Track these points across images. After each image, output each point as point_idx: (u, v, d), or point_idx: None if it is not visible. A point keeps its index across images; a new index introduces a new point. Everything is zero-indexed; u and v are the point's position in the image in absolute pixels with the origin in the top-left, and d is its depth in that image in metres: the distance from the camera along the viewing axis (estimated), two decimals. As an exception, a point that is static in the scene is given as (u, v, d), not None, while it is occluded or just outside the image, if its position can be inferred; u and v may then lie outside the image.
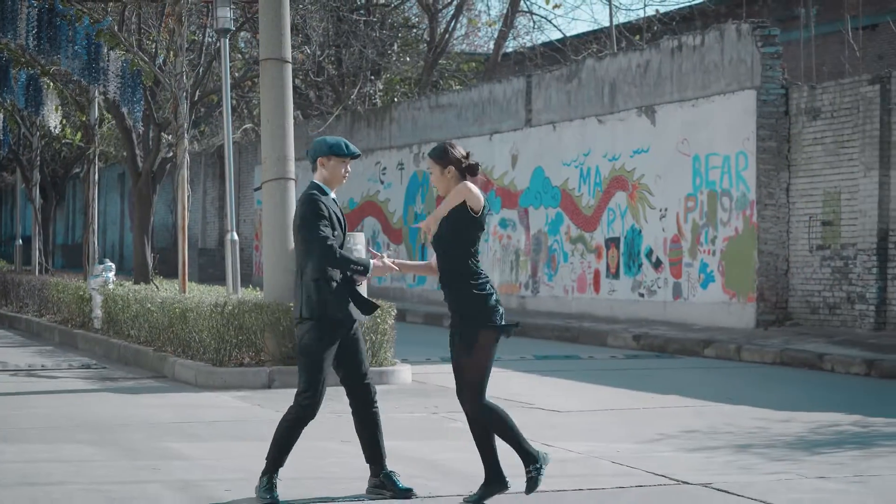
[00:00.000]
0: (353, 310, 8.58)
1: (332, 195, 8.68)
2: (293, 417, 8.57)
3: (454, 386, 8.53)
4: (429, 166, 8.53)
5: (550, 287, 26.86)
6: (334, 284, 8.48)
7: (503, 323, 8.35)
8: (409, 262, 8.89)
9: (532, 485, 8.41)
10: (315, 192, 8.58)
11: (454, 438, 11.25)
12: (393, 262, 8.56)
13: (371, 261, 8.51)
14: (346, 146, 8.69)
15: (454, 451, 10.53)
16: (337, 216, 8.59)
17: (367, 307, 8.69)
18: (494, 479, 8.46)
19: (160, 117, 24.51)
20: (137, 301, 18.56)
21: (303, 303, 8.54)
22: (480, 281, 8.33)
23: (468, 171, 8.41)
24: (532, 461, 8.41)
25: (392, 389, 14.92)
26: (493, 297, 8.35)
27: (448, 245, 8.35)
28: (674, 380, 16.54)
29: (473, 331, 8.31)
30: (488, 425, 8.43)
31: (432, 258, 8.67)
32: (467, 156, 8.46)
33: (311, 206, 8.50)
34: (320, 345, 8.49)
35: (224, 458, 10.28)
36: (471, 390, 8.36)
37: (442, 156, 8.43)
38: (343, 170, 8.70)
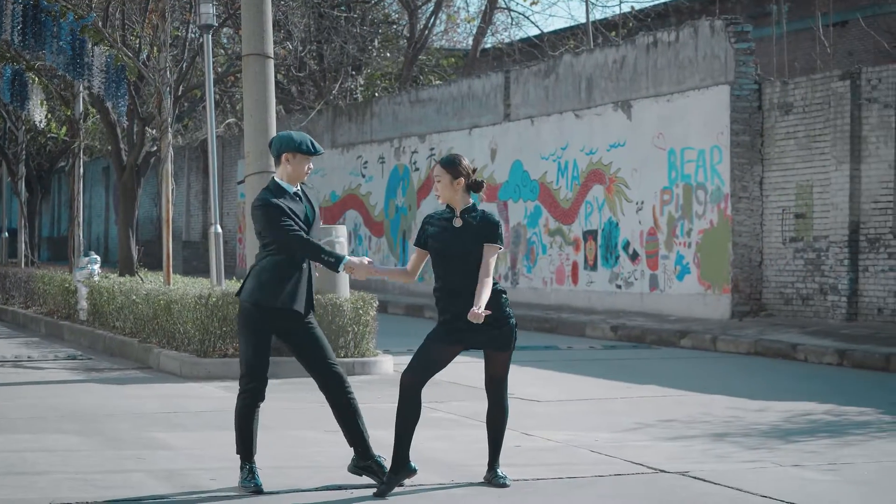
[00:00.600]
0: (295, 303, 8.48)
1: (295, 189, 8.58)
2: (241, 405, 8.54)
3: (440, 377, 8.53)
4: (437, 174, 8.50)
5: (529, 279, 26.85)
6: (282, 278, 8.39)
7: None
8: (385, 267, 8.89)
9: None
10: (267, 195, 8.46)
11: (435, 428, 11.22)
12: (370, 265, 8.50)
13: (346, 256, 8.42)
14: (312, 144, 8.60)
15: (436, 440, 10.50)
16: (295, 212, 8.48)
17: (307, 307, 8.59)
18: (404, 466, 8.45)
19: (144, 112, 24.40)
20: (122, 293, 18.49)
21: (243, 286, 8.51)
22: (499, 286, 8.58)
23: (474, 186, 8.49)
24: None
25: (374, 379, 14.89)
26: None
27: (474, 258, 8.41)
28: (651, 370, 16.54)
29: (513, 331, 8.55)
30: (505, 416, 8.70)
31: (413, 260, 8.67)
32: (474, 170, 8.52)
33: (265, 210, 8.41)
34: (253, 329, 8.44)
35: (208, 447, 10.23)
36: (504, 383, 8.67)
37: (454, 165, 8.47)
38: (306, 167, 8.60)
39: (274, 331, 8.53)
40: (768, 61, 25.65)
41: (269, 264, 8.44)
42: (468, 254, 8.39)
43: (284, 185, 8.53)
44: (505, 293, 8.58)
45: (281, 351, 15.55)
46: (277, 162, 8.60)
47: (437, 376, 8.40)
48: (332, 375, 8.59)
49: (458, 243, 8.40)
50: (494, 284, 8.46)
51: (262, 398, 8.52)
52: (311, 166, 8.63)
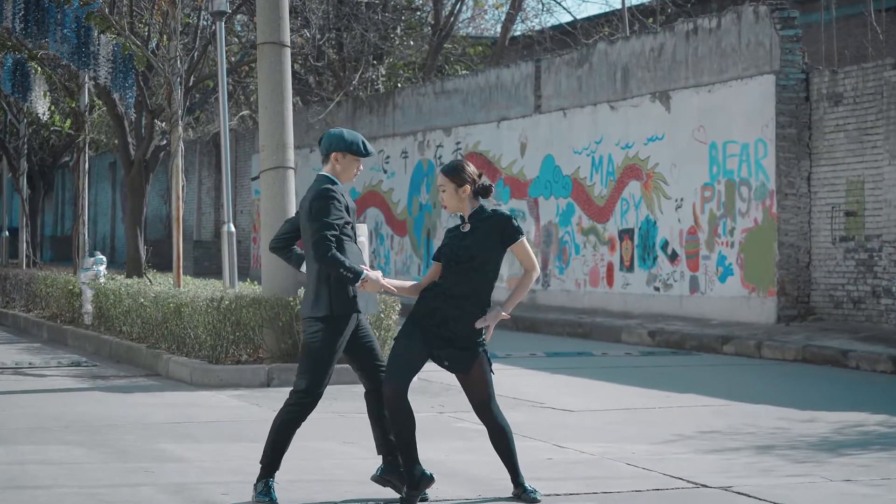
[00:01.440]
0: (362, 303, 8.59)
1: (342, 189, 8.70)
2: (291, 417, 8.55)
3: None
4: (441, 184, 8.52)
5: (562, 281, 26.81)
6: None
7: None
8: (396, 281, 8.87)
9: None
10: (329, 185, 8.56)
11: (461, 439, 11.22)
12: (386, 282, 8.53)
13: (364, 270, 8.45)
14: (364, 146, 8.70)
15: (461, 452, 10.49)
16: (349, 208, 8.66)
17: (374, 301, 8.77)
18: (420, 476, 8.44)
19: (153, 104, 24.47)
20: (130, 295, 18.52)
21: (315, 300, 8.52)
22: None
23: (482, 192, 8.49)
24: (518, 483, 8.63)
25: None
26: None
27: (482, 270, 8.42)
28: (691, 378, 16.49)
29: (474, 357, 8.44)
30: (507, 435, 8.58)
31: (429, 273, 8.66)
32: (480, 175, 8.52)
33: (326, 201, 8.48)
34: (331, 345, 8.49)
35: (221, 459, 10.24)
36: (491, 405, 8.54)
37: (458, 173, 8.49)
38: (356, 168, 8.71)
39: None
40: (816, 49, 25.57)
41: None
42: (472, 258, 8.40)
43: (335, 179, 8.62)
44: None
45: (292, 357, 15.54)
46: (325, 160, 8.68)
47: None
48: (380, 375, 8.62)
49: (463, 247, 8.42)
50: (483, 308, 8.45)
51: (309, 415, 8.59)
52: (361, 167, 8.72)
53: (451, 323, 8.39)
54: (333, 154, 8.65)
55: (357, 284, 8.43)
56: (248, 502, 8.47)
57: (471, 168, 8.55)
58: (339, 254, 8.44)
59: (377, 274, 8.49)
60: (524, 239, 8.55)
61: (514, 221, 8.54)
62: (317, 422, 12.05)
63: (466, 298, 8.41)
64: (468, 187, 8.50)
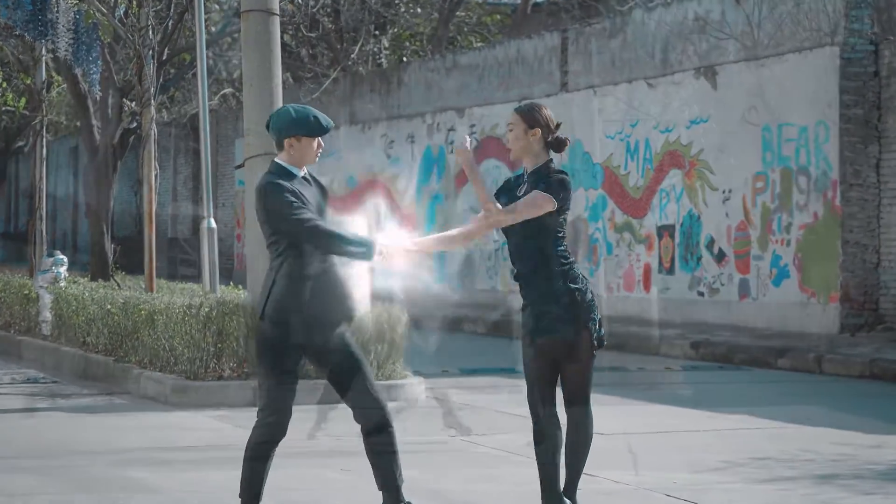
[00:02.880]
0: (325, 315, 8.52)
1: (303, 173, 8.59)
2: (256, 440, 8.52)
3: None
4: (511, 122, 8.50)
5: (591, 284, 26.76)
6: (308, 283, 8.40)
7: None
8: (436, 236, 8.77)
9: None
10: (274, 178, 8.49)
11: (476, 466, 11.22)
12: (424, 241, 8.52)
13: (377, 241, 8.39)
14: (318, 120, 8.56)
15: (476, 481, 10.50)
16: (308, 199, 8.52)
17: (348, 311, 8.60)
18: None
19: (121, 80, 24.51)
20: (95, 301, 18.55)
21: (264, 300, 8.48)
22: (578, 285, 8.58)
23: (555, 145, 8.46)
24: None
25: (402, 407, 14.88)
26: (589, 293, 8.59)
27: (535, 237, 8.43)
28: (740, 396, 16.51)
29: (576, 337, 8.61)
30: (581, 439, 8.76)
31: (475, 221, 8.65)
32: (558, 125, 8.48)
33: (274, 196, 8.41)
34: (274, 351, 8.43)
35: (199, 490, 10.26)
36: (579, 402, 8.72)
37: (531, 113, 8.49)
38: (316, 147, 8.62)
39: (300, 351, 8.51)
40: (887, 16, 25.55)
41: (286, 271, 8.42)
42: (524, 225, 8.35)
43: (290, 168, 8.54)
44: (582, 290, 8.53)
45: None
46: (279, 147, 8.63)
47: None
48: (372, 405, 8.57)
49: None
50: (572, 282, 8.42)
51: (283, 434, 8.53)
52: (322, 143, 8.65)
53: (542, 307, 8.42)
54: (286, 140, 8.59)
55: (375, 258, 8.36)
56: (231, 539, 8.51)
57: (549, 113, 8.52)
58: (335, 228, 8.39)
59: (400, 238, 8.41)
60: (541, 196, 8.32)
61: (557, 183, 8.39)
62: (311, 447, 12.08)
63: (535, 273, 8.39)
64: (539, 131, 8.45)
